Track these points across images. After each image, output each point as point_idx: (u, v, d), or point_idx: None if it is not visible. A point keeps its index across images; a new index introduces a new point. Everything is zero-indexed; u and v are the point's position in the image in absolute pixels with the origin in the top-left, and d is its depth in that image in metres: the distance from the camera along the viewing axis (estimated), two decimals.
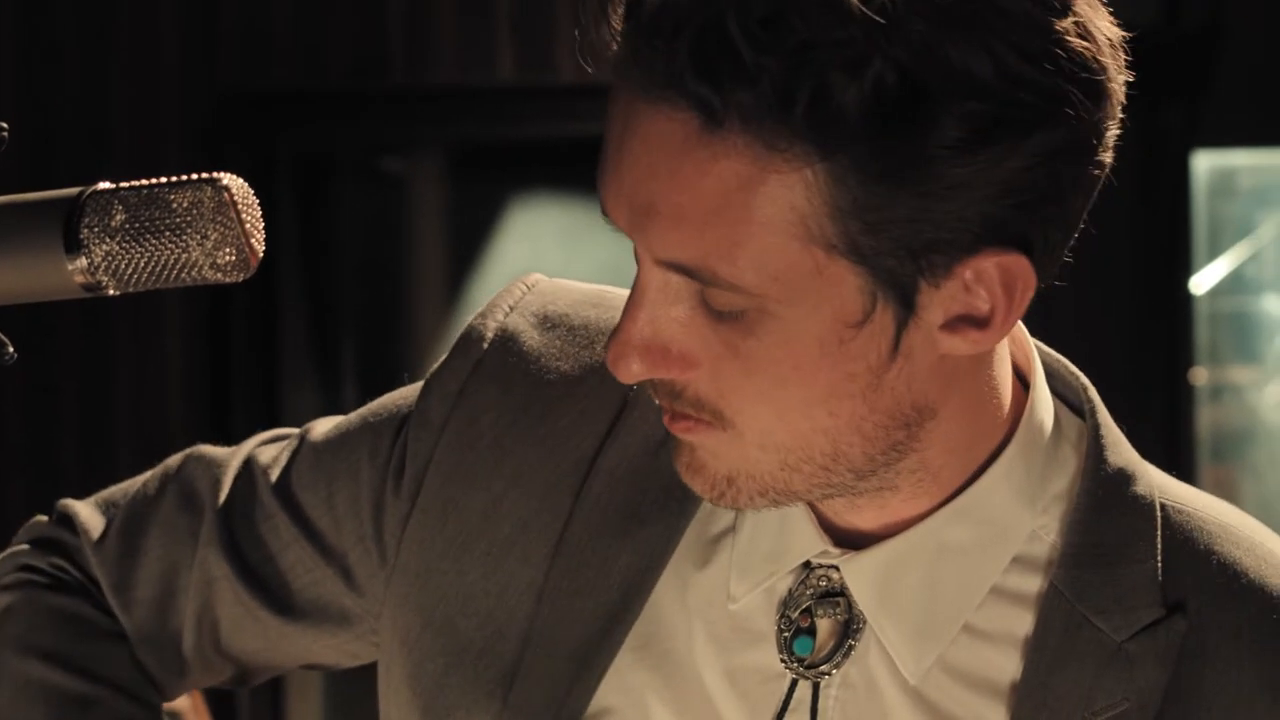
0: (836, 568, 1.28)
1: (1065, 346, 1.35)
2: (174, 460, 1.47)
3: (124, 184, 1.08)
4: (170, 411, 4.57)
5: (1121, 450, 1.30)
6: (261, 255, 1.09)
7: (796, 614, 1.29)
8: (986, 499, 1.27)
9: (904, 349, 1.19)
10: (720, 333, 1.19)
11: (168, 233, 1.07)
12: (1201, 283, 4.62)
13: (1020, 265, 1.18)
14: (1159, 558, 1.27)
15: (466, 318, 1.41)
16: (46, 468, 4.57)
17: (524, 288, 1.42)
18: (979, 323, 1.19)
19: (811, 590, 1.29)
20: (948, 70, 1.12)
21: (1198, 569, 1.27)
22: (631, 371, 1.20)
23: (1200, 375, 4.59)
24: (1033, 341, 1.32)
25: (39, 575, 1.46)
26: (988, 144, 1.13)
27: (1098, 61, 1.16)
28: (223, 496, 1.43)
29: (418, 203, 4.94)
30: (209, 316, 4.55)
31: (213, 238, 1.07)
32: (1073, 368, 1.33)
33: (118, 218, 1.07)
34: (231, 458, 1.45)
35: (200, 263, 1.08)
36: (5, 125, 1.15)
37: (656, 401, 1.24)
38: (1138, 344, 4.49)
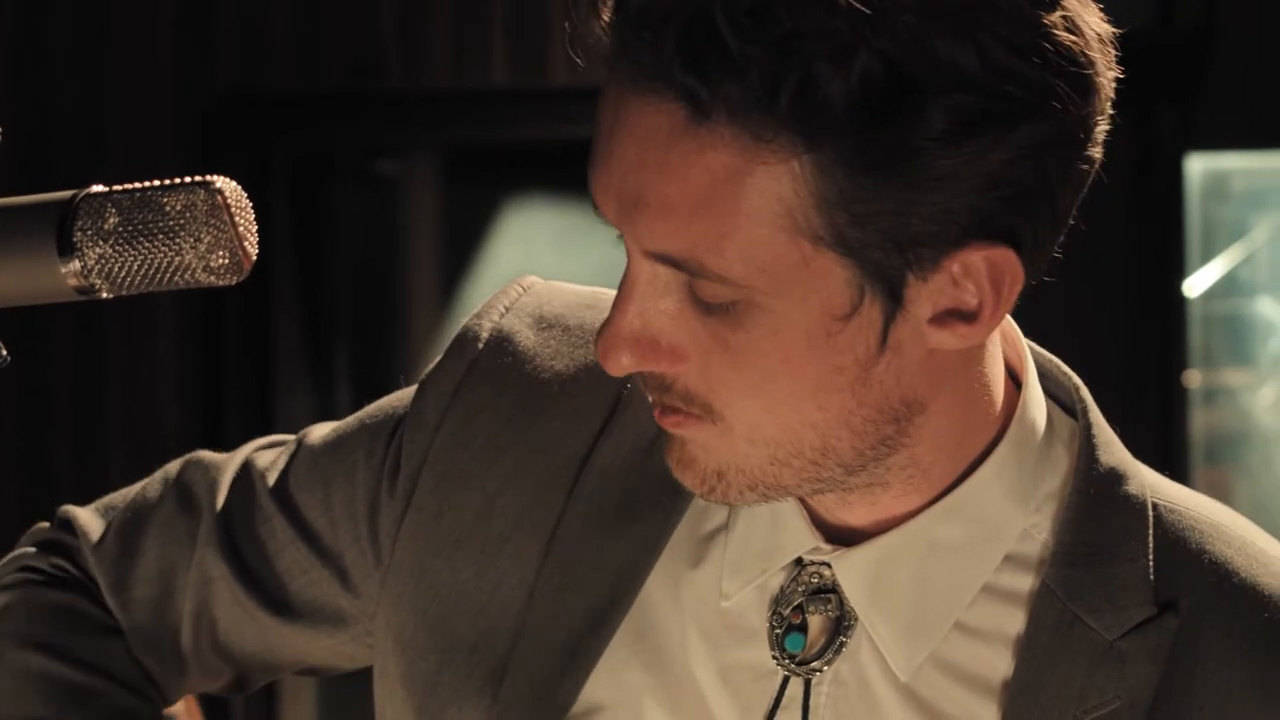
0: (828, 564, 1.28)
1: (1059, 348, 1.35)
2: (173, 465, 1.48)
3: (117, 187, 1.08)
4: (164, 414, 4.56)
5: (1114, 450, 1.30)
6: (255, 258, 1.09)
7: (788, 611, 1.29)
8: (978, 497, 1.27)
9: (892, 342, 1.19)
10: (709, 325, 1.19)
11: (161, 236, 1.07)
12: (1195, 285, 4.62)
13: (1008, 259, 1.18)
14: (1151, 556, 1.27)
15: (461, 320, 1.42)
16: (40, 471, 4.56)
17: (520, 289, 1.42)
18: (967, 317, 1.19)
19: (803, 587, 1.29)
20: (934, 62, 1.12)
21: (1189, 568, 1.27)
22: (621, 364, 1.21)
23: (1194, 378, 4.58)
24: (1025, 341, 1.32)
25: (39, 574, 1.46)
26: (974, 136, 1.13)
27: (1085, 56, 1.16)
28: (221, 499, 1.44)
29: (412, 205, 4.93)
30: (202, 319, 4.55)
31: (206, 240, 1.07)
32: (1065, 368, 1.34)
33: (111, 221, 1.07)
34: (230, 462, 1.46)
35: (194, 265, 1.08)
36: (0, 127, 1.15)
37: (648, 397, 1.24)
38: (1131, 346, 4.49)
